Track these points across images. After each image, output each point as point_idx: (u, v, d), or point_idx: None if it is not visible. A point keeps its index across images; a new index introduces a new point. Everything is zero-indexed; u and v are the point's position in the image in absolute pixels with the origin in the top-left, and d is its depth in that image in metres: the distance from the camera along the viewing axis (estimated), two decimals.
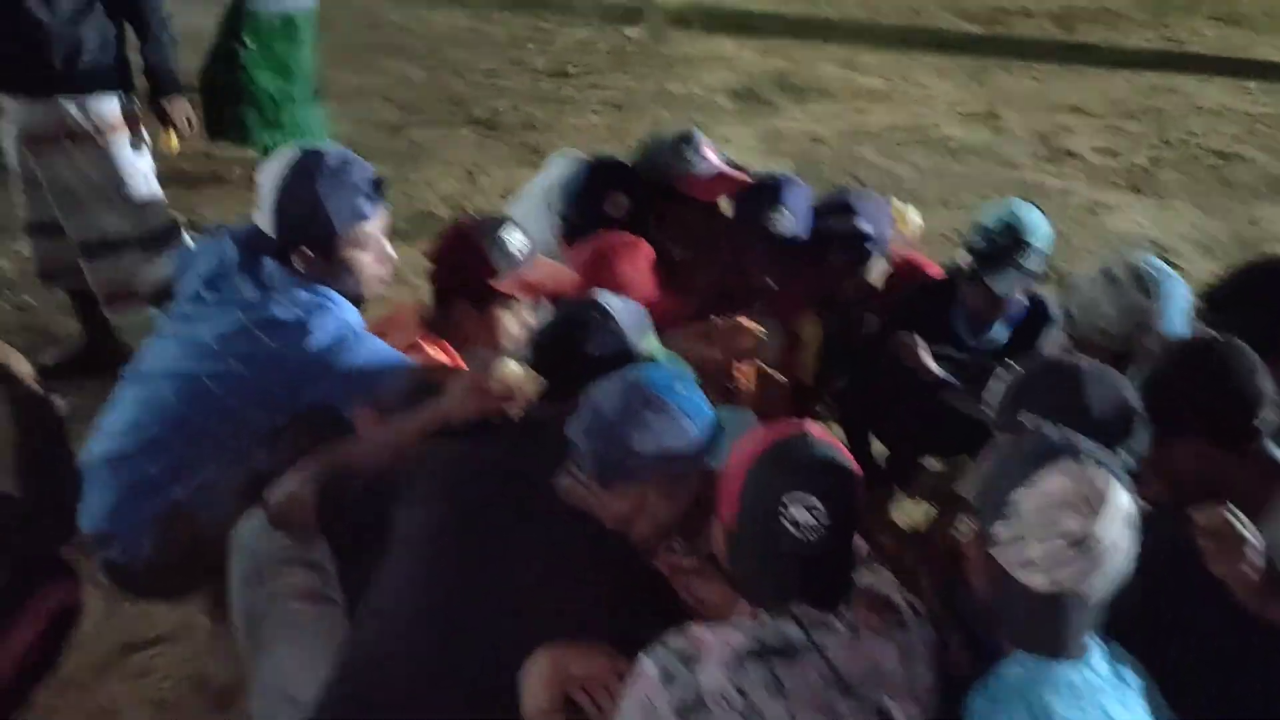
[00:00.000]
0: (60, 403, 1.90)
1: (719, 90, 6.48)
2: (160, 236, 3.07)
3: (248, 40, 4.26)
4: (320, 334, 1.86)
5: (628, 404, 1.55)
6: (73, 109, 2.85)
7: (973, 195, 4.91)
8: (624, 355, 1.80)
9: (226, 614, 2.11)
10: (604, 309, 1.87)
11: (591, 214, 2.62)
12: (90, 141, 2.89)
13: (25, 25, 2.74)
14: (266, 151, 4.28)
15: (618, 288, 2.27)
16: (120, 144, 2.94)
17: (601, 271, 2.31)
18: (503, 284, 2.04)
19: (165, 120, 3.11)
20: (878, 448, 2.80)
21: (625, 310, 1.90)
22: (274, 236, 1.92)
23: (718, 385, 2.20)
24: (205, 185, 4.63)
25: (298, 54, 4.40)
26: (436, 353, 2.03)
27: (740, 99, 6.34)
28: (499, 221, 2.08)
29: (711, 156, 2.69)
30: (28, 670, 1.68)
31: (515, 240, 2.05)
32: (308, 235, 1.91)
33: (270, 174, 1.93)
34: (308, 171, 1.90)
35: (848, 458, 1.42)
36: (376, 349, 1.92)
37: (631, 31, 7.79)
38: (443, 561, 1.50)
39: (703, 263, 2.66)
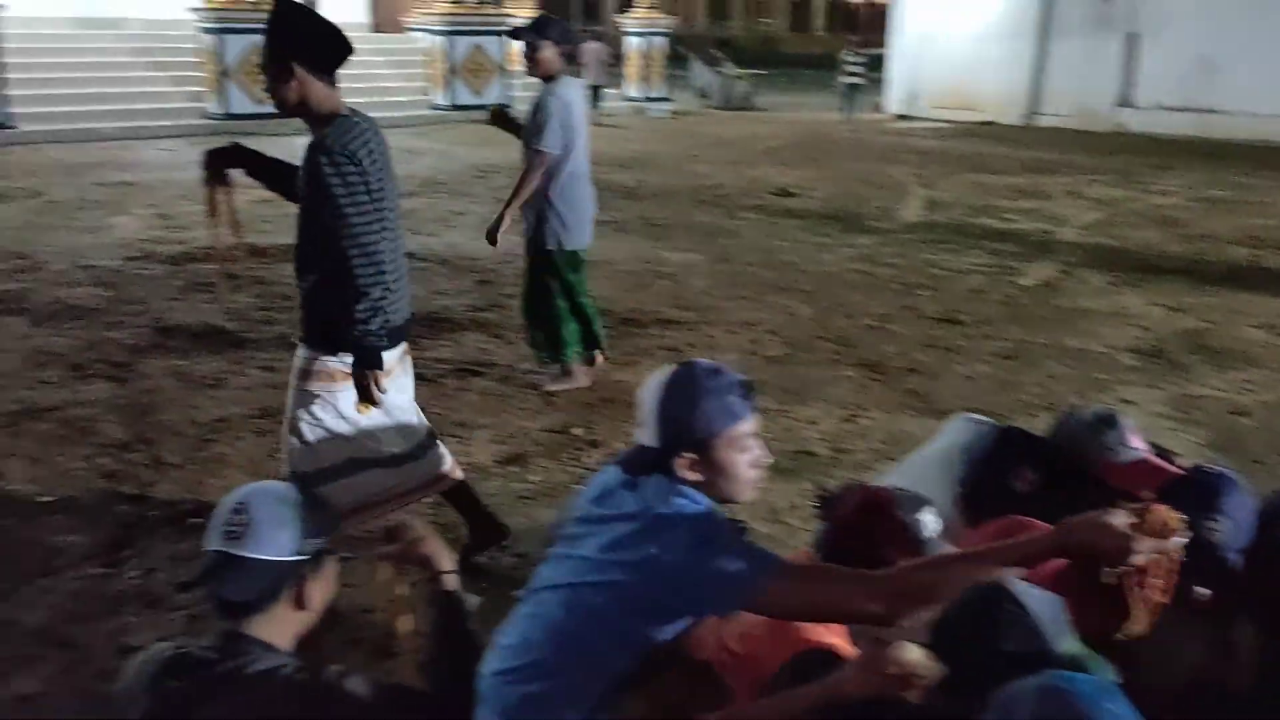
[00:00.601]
0: (471, 600, 2.04)
1: (1122, 348, 6.11)
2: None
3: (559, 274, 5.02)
4: (698, 536, 1.90)
5: (1044, 716, 1.39)
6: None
7: None
8: (1040, 655, 1.64)
9: None
10: (1019, 599, 1.72)
11: (995, 487, 2.50)
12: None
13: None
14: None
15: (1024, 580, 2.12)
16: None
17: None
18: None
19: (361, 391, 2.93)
20: None
21: (1043, 602, 1.74)
22: (657, 446, 2.00)
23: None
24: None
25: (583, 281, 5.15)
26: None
27: (1146, 359, 5.94)
28: (918, 501, 2.01)
29: (1136, 443, 2.49)
30: None
31: (931, 524, 1.98)
32: (689, 439, 1.98)
33: (650, 389, 2.03)
34: (685, 381, 2.00)
35: None
36: (754, 551, 1.92)
37: (1026, 280, 7.66)
38: None
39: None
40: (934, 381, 5.44)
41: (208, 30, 15.21)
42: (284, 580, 1.75)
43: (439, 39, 18.11)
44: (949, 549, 2.03)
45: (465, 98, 18.14)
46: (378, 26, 21.06)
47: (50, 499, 3.85)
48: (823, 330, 6.36)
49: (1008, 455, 2.54)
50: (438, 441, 3.40)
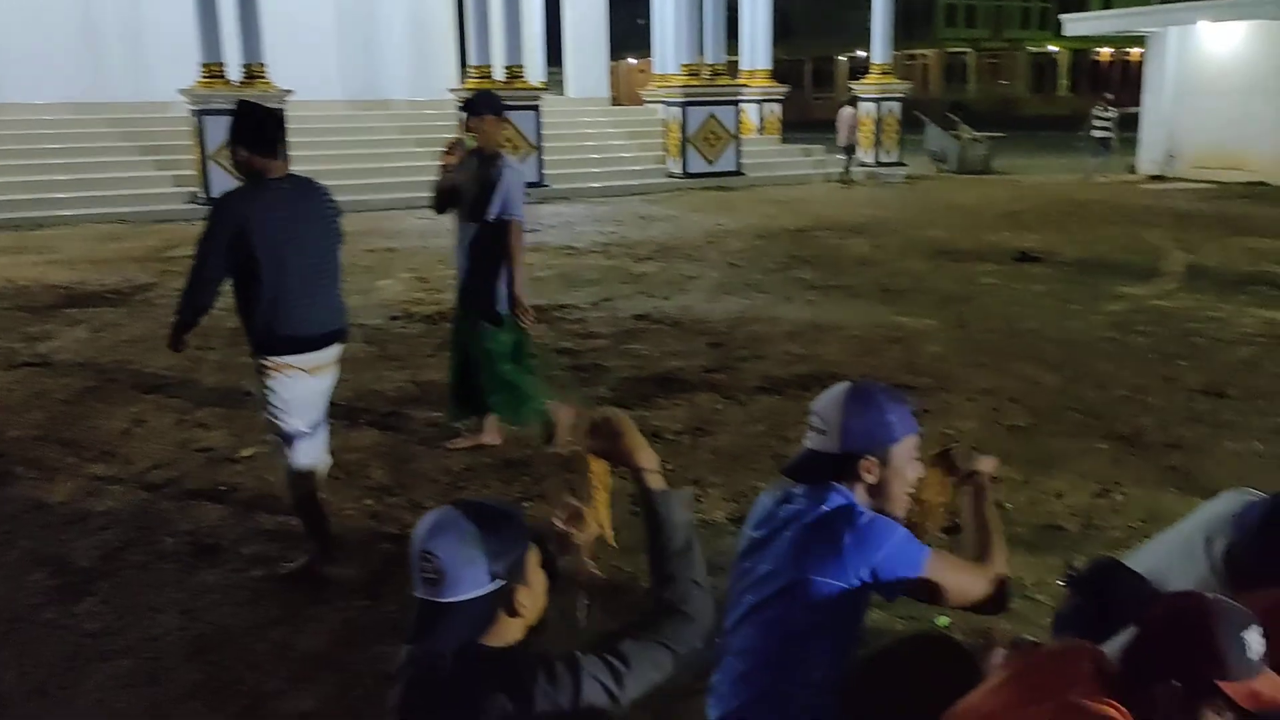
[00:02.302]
0: (684, 493, 2.02)
1: None
2: None
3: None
4: (869, 520, 2.11)
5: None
6: None
7: None
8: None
9: None
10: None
11: (1268, 558, 2.30)
12: None
13: None
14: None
15: None
16: None
17: None
18: (1234, 690, 1.79)
19: None
20: None
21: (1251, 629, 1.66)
22: (838, 451, 2.16)
23: None
24: None
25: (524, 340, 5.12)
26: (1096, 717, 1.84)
27: None
28: (1245, 617, 1.86)
29: None
30: None
31: (1257, 644, 1.83)
32: (875, 443, 2.16)
33: (831, 398, 2.21)
34: (868, 391, 2.22)
35: None
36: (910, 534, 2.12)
37: None
38: None
39: None
40: (1199, 458, 5.04)
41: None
42: (493, 608, 1.71)
43: (675, 109, 18.71)
44: (1271, 675, 1.86)
45: (699, 165, 18.62)
46: (617, 100, 22.04)
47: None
48: (1071, 400, 6.04)
49: None
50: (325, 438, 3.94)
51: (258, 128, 3.59)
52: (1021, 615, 3.53)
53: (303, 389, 3.70)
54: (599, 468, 2.03)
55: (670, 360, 6.95)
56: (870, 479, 2.18)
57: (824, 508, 2.15)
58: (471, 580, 1.68)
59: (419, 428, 5.55)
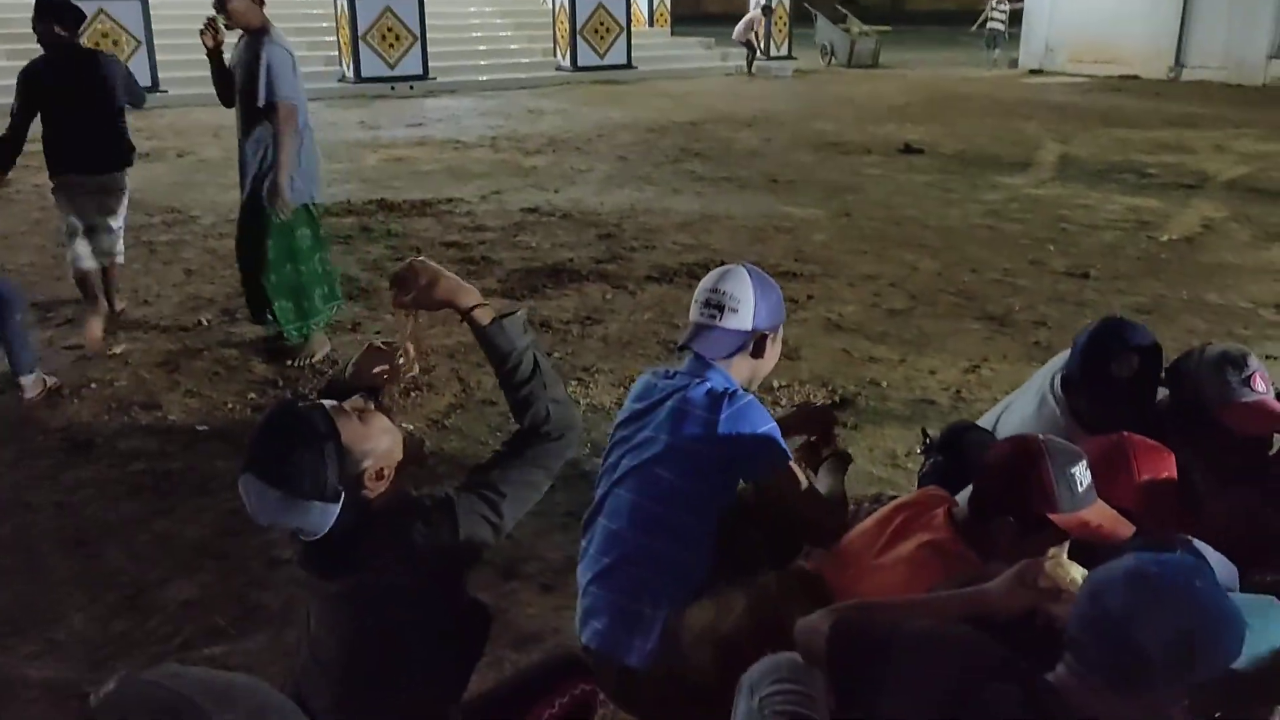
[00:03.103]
0: (517, 316, 1.95)
1: (1268, 303, 5.84)
2: None
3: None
4: (756, 410, 2.16)
5: (1133, 602, 1.39)
6: None
7: None
8: None
9: None
10: (1199, 553, 1.77)
11: (1095, 372, 2.49)
12: None
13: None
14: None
15: (1134, 491, 2.10)
16: None
17: (1119, 471, 2.13)
18: (1062, 520, 1.93)
19: None
20: None
21: (1218, 564, 1.80)
22: (749, 329, 2.23)
23: None
24: None
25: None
26: (950, 556, 1.97)
27: None
28: (1073, 455, 1.99)
29: (1262, 387, 2.41)
30: None
31: (1084, 478, 1.96)
32: (774, 320, 2.28)
33: (736, 277, 2.26)
34: (762, 273, 2.30)
35: None
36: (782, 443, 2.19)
37: (1164, 235, 7.35)
38: None
39: (1226, 503, 2.35)
40: (1062, 334, 5.30)
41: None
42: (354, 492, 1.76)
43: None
44: (1104, 510, 1.99)
45: (589, 59, 18.26)
46: None
47: (206, 429, 4.13)
48: (947, 284, 6.25)
49: (1110, 340, 2.50)
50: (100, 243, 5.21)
51: (60, 8, 4.94)
52: (893, 483, 3.72)
53: (66, 201, 5.12)
54: (407, 318, 1.93)
55: (560, 252, 6.93)
56: (767, 356, 2.27)
57: (706, 384, 2.21)
58: (323, 508, 1.70)
59: None
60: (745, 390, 2.23)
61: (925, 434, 2.83)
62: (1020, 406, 2.69)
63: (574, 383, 4.65)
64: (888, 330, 5.42)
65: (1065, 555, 1.66)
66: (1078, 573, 1.64)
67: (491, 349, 1.90)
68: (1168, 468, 2.18)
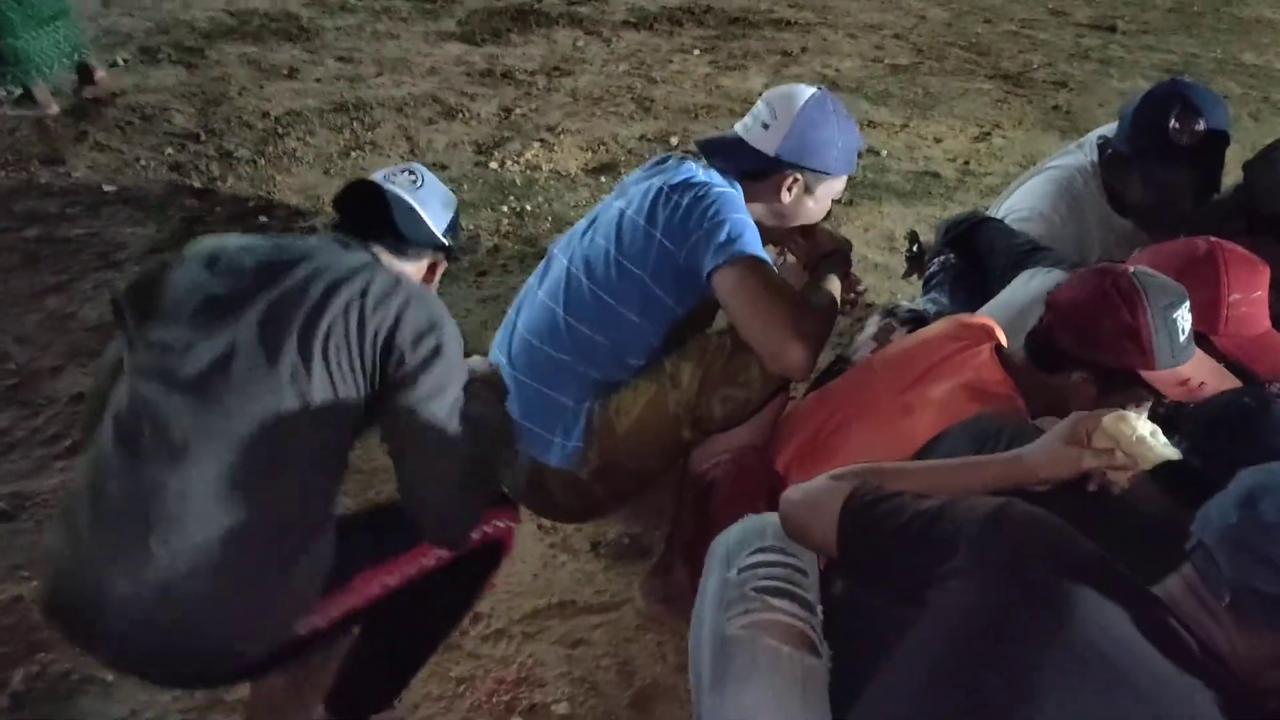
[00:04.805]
0: None
1: None
2: None
3: None
4: (720, 195, 1.77)
5: None
6: None
7: None
8: None
9: (667, 601, 1.92)
10: None
11: (1150, 138, 2.08)
12: None
13: None
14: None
15: (1220, 304, 1.71)
16: None
17: (1204, 282, 1.71)
18: (1156, 379, 1.52)
19: None
20: None
21: None
22: (771, 155, 1.84)
23: None
24: None
25: None
26: (997, 400, 1.57)
27: None
28: (1174, 294, 1.54)
29: None
30: (456, 588, 1.58)
31: (1186, 324, 1.53)
32: (810, 163, 1.85)
33: (790, 95, 1.87)
34: (833, 109, 1.88)
35: None
36: (757, 240, 1.77)
37: None
38: (987, 660, 1.06)
39: None
40: (1084, 97, 4.78)
41: None
42: (429, 251, 1.62)
43: None
44: (1207, 362, 1.59)
45: None
46: None
47: (114, 189, 3.63)
48: (957, 37, 5.62)
49: (1171, 100, 2.07)
50: None
51: None
52: (889, 270, 3.33)
53: None
54: None
55: None
56: (786, 197, 1.87)
57: (691, 174, 1.82)
58: (437, 216, 1.63)
59: (233, 65, 4.80)
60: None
61: (914, 238, 2.41)
62: (1033, 197, 2.25)
63: (536, 145, 4.13)
64: (889, 90, 4.86)
65: (1130, 413, 1.27)
66: (1145, 428, 1.27)
67: None
68: (1262, 279, 1.77)
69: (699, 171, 1.82)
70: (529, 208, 3.66)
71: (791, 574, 1.31)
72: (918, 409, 1.63)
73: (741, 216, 1.75)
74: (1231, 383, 1.57)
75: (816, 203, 1.90)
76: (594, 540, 2.16)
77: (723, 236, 1.70)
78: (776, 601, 1.27)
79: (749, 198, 1.84)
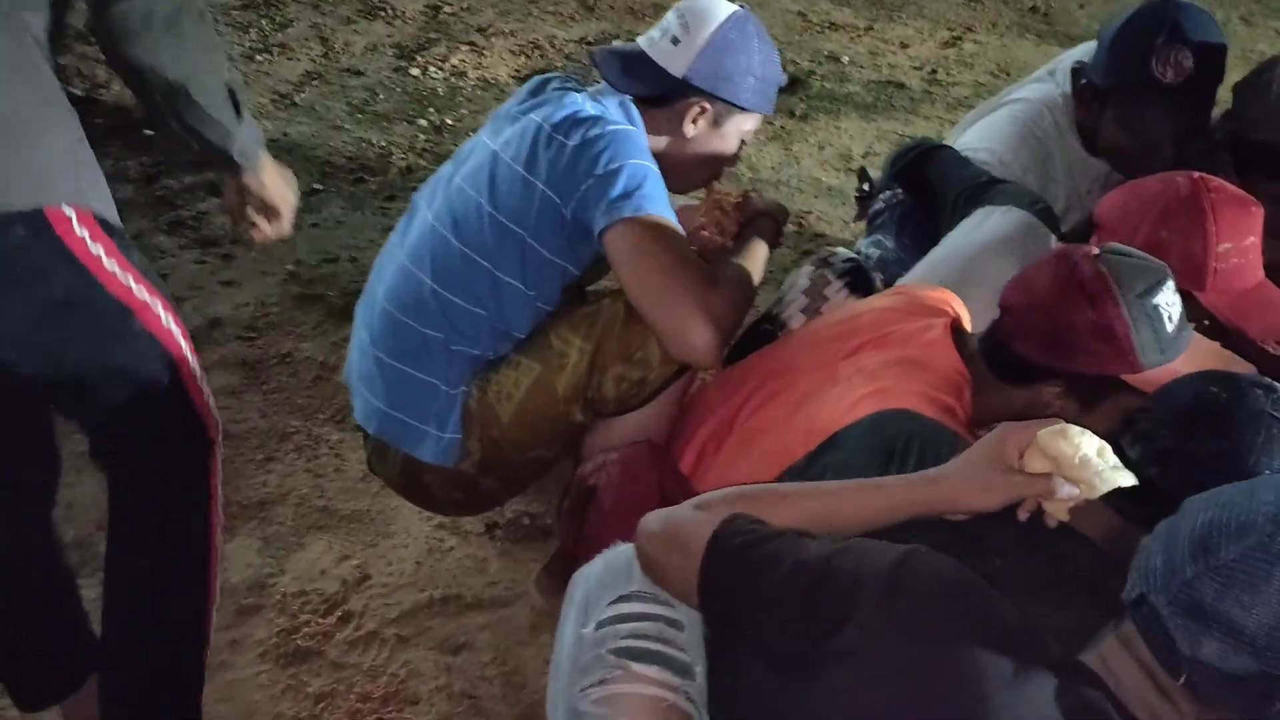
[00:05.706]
0: None
1: None
2: None
3: None
4: (611, 134, 1.46)
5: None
6: None
7: None
8: None
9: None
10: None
11: (1130, 71, 1.81)
12: None
13: None
14: None
15: (1208, 255, 1.47)
16: None
17: (1188, 230, 1.47)
18: (1150, 383, 1.26)
19: None
20: None
21: None
22: (679, 76, 1.57)
23: None
24: None
25: None
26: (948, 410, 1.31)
27: None
28: (1152, 273, 1.26)
29: None
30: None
31: (1174, 307, 1.26)
32: (724, 93, 1.59)
33: (708, 10, 1.59)
34: (754, 32, 1.62)
35: None
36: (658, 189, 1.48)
37: None
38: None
39: None
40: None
41: None
42: None
43: None
44: (1199, 342, 1.33)
45: None
46: None
47: None
48: None
49: (1155, 27, 1.79)
50: None
51: None
52: (844, 195, 3.03)
53: None
54: None
55: None
56: (685, 131, 1.60)
57: (578, 109, 1.52)
58: None
59: None
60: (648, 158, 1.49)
61: (864, 175, 2.12)
62: (993, 137, 1.97)
63: (464, 48, 3.75)
64: None
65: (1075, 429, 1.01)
66: (1090, 446, 1.00)
67: None
68: (1255, 221, 1.51)
69: (586, 105, 1.51)
70: (450, 121, 3.32)
71: (662, 629, 1.05)
72: (843, 379, 1.37)
73: (641, 162, 1.46)
74: (1245, 368, 1.32)
75: (723, 140, 1.64)
76: (489, 522, 1.91)
77: (618, 189, 1.41)
78: (639, 667, 1.02)
79: (650, 129, 1.55)
